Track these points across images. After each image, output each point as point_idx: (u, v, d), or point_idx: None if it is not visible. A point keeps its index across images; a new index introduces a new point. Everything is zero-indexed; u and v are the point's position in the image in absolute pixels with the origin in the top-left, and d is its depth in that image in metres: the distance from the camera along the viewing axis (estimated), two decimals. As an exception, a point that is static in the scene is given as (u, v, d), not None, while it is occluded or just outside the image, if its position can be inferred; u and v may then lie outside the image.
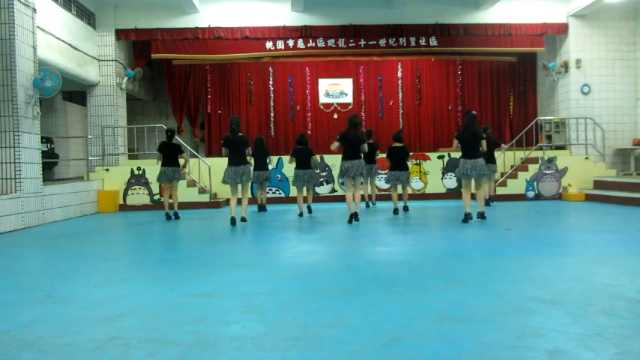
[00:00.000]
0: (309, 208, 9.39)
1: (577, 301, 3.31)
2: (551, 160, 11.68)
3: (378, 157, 10.06)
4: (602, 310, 3.11)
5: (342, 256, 5.29)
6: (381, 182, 11.99)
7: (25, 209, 8.13)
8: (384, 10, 12.39)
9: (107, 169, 11.35)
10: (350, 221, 7.48)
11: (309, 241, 6.40)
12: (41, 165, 8.77)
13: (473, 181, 7.66)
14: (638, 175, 11.65)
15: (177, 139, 9.36)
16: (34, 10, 8.53)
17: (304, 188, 9.32)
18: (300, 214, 8.96)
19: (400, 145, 9.08)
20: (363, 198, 10.13)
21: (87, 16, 11.55)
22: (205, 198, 11.32)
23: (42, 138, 9.50)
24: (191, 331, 2.87)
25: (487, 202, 9.91)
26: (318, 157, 9.20)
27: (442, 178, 12.24)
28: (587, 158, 11.85)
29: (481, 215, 7.50)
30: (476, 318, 3.00)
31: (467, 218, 7.36)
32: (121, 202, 11.23)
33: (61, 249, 6.26)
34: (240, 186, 7.87)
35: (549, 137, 12.68)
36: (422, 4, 12.41)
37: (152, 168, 11.37)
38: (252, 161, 9.82)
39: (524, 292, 3.54)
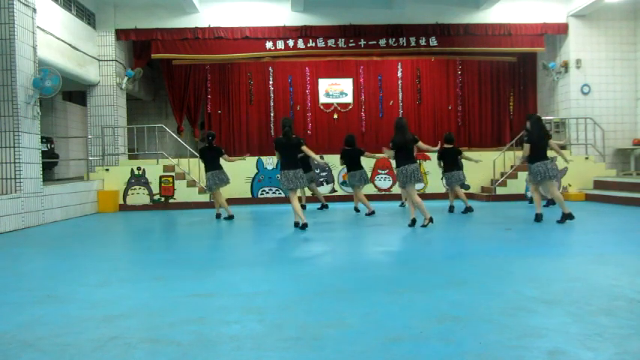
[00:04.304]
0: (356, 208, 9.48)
1: (577, 301, 3.31)
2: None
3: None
4: (602, 310, 3.11)
5: (342, 256, 5.29)
6: (381, 182, 12.03)
7: (25, 209, 8.13)
8: (384, 10, 12.39)
9: (107, 169, 11.35)
10: (425, 224, 7.09)
11: (309, 241, 6.40)
12: (41, 165, 8.77)
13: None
14: (638, 175, 11.64)
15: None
16: (34, 10, 8.53)
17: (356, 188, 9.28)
18: (357, 210, 9.30)
19: (451, 146, 9.15)
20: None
21: (87, 16, 11.55)
22: (205, 198, 11.32)
23: (42, 138, 9.50)
24: (191, 331, 2.87)
25: (550, 202, 9.57)
26: (369, 154, 9.34)
27: (442, 178, 12.21)
28: (587, 158, 11.86)
29: (569, 216, 7.23)
30: (476, 318, 3.00)
31: (538, 218, 7.40)
32: (121, 202, 11.24)
33: (61, 249, 6.25)
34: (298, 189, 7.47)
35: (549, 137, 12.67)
36: (422, 4, 12.41)
37: (152, 168, 11.40)
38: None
39: (524, 292, 3.54)
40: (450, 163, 9.10)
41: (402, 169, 7.14)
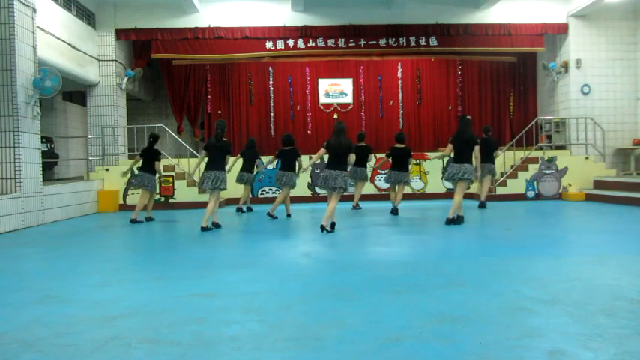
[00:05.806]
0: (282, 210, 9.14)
1: (577, 301, 3.31)
2: (551, 160, 11.68)
3: (369, 161, 9.98)
4: (602, 310, 3.11)
5: (342, 256, 5.29)
6: (381, 182, 12.02)
7: (25, 209, 8.13)
8: (384, 10, 12.39)
9: (107, 169, 11.35)
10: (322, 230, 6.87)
11: (309, 241, 6.40)
12: (41, 165, 8.77)
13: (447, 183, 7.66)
14: (638, 175, 11.64)
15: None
16: (34, 10, 8.53)
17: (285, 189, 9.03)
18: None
19: (402, 146, 9.08)
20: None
21: (87, 16, 11.55)
22: (205, 198, 11.29)
23: (42, 138, 9.50)
24: (191, 331, 2.87)
25: (483, 204, 9.79)
26: (302, 159, 8.89)
27: (442, 178, 12.24)
28: (587, 158, 11.86)
29: (451, 221, 7.28)
30: (476, 318, 3.00)
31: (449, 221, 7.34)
32: (121, 202, 11.23)
33: (61, 249, 6.25)
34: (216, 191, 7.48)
35: (549, 137, 12.69)
36: (422, 4, 12.42)
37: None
38: (240, 162, 9.94)
39: (524, 292, 3.54)
40: (398, 162, 9.01)
41: (327, 172, 6.82)
